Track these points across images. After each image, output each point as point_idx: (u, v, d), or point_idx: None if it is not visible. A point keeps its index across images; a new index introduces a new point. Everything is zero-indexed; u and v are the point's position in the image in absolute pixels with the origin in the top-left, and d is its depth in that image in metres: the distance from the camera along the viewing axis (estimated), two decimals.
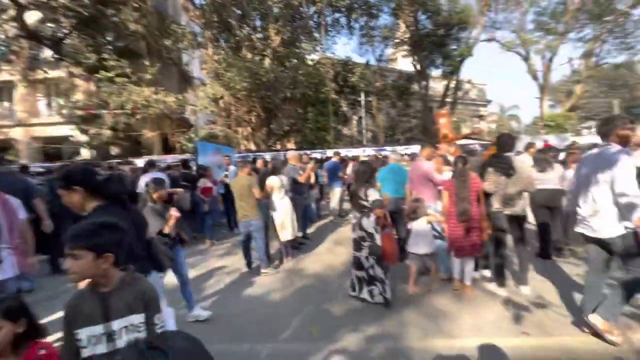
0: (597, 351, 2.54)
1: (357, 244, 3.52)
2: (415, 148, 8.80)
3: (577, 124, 25.99)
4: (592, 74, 23.14)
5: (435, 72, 23.17)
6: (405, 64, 24.77)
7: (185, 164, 8.22)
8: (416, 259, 3.75)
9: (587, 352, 2.55)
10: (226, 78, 16.06)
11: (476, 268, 3.88)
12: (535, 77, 22.74)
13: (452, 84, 23.00)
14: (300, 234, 5.89)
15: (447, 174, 4.21)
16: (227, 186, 6.95)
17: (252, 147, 18.41)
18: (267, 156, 11.66)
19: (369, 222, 3.41)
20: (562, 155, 5.97)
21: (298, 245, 5.64)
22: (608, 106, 31.85)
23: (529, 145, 5.89)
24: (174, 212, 2.88)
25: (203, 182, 6.38)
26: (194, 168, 8.01)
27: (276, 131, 20.98)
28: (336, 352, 2.73)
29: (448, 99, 23.24)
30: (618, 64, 25.07)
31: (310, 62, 20.34)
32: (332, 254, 5.40)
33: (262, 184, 4.77)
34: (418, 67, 21.84)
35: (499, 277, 3.66)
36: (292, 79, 17.28)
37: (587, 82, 23.73)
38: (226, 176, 7.05)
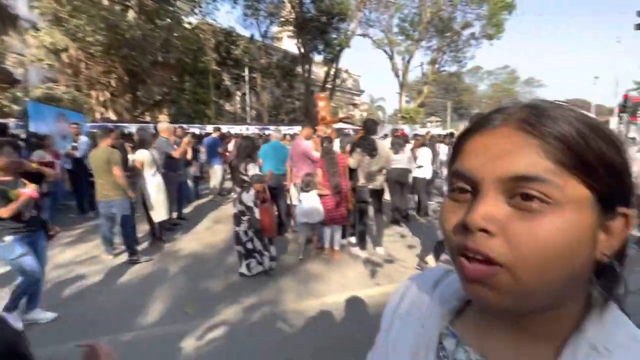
0: None
1: (237, 219, 3.51)
2: (298, 129, 9.19)
3: (424, 118, 32.08)
4: (435, 78, 28.64)
5: (318, 58, 24.31)
6: (290, 45, 25.05)
7: (3, 130, 6.27)
8: (305, 229, 4.03)
9: None
10: (72, 25, 12.77)
11: (344, 236, 4.46)
12: (397, 75, 26.63)
13: (332, 72, 24.67)
14: (175, 214, 5.43)
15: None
16: (76, 161, 5.71)
17: (112, 115, 15.48)
18: (133, 128, 10.05)
19: (248, 197, 3.44)
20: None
21: (172, 226, 5.19)
22: (444, 106, 40.52)
23: (394, 131, 6.95)
24: (28, 190, 2.22)
25: (39, 155, 5.02)
26: (23, 136, 6.22)
27: (144, 99, 18.17)
28: (214, 326, 2.72)
29: (328, 85, 24.87)
30: (452, 73, 31.87)
31: (187, 25, 18.19)
32: (212, 232, 5.21)
33: (125, 160, 4.12)
34: (302, 50, 22.43)
35: (362, 242, 4.30)
36: (165, 41, 15.18)
37: (432, 85, 29.25)
38: (74, 148, 5.77)
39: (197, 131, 11.88)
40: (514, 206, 0.30)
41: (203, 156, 7.73)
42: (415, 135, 6.56)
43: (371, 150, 3.99)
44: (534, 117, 0.31)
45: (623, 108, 13.85)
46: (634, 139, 6.55)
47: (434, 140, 7.82)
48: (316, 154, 4.43)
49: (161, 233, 4.66)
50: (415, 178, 5.84)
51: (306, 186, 3.94)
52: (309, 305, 3.07)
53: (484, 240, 0.30)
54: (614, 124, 13.85)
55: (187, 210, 6.21)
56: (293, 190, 4.62)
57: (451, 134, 9.79)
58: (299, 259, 4.03)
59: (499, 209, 0.30)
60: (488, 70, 47.14)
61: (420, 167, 5.73)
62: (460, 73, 36.25)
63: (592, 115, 0.33)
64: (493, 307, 0.32)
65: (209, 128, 11.96)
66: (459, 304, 0.42)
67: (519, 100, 0.35)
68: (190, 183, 6.84)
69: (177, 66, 17.04)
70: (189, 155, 5.89)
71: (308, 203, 3.89)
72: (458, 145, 0.36)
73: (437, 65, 27.10)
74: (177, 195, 5.40)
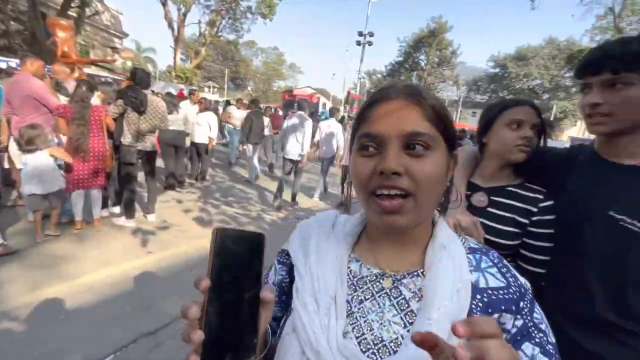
0: (203, 254, 3.44)
1: None
2: (12, 61, 6.38)
3: (202, 81, 30.87)
4: (214, 41, 27.93)
5: None
6: None
7: None
8: (37, 202, 2.95)
9: (200, 257, 3.36)
10: None
11: (104, 206, 3.74)
12: (170, 26, 23.72)
13: None
14: None
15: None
16: None
17: None
18: None
19: None
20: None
21: None
22: (222, 73, 40.55)
23: (191, 92, 6.09)
24: None
25: None
26: None
27: None
28: None
29: (72, 13, 18.52)
30: (230, 41, 32.08)
31: None
32: None
33: None
34: None
35: (128, 211, 3.76)
36: None
37: (210, 48, 28.34)
38: None
39: None
40: (408, 154, 0.44)
41: None
42: (191, 93, 6.12)
43: (139, 105, 3.47)
44: (414, 91, 0.46)
45: (346, 100, 19.36)
46: (344, 120, 8.37)
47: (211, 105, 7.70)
48: (55, 100, 3.35)
49: None
50: (194, 143, 5.64)
51: (28, 143, 2.89)
52: (50, 293, 2.42)
53: (397, 179, 0.43)
54: (342, 111, 19.00)
55: None
56: (14, 149, 3.28)
57: (227, 102, 10.07)
58: (46, 237, 3.05)
59: (402, 156, 0.44)
60: (261, 48, 50.98)
61: (202, 131, 5.53)
62: (237, 43, 37.16)
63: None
64: (401, 229, 0.46)
65: None
66: (354, 237, 0.55)
67: (401, 81, 0.51)
68: None
69: None
70: None
71: (35, 166, 2.92)
72: (363, 114, 0.48)
73: (215, 29, 26.40)
74: None
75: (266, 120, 6.91)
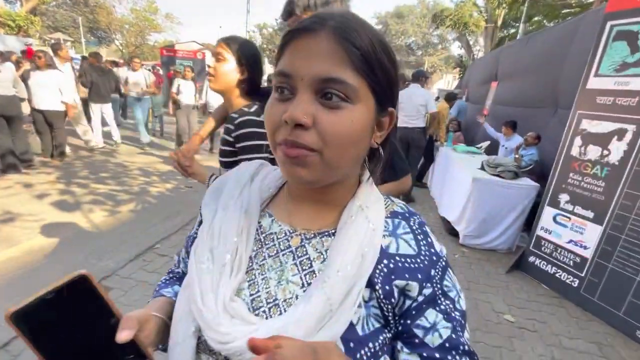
0: (67, 246, 2.87)
1: None
2: None
3: (46, 33, 24.07)
4: None
5: None
6: None
7: None
8: None
9: (63, 250, 2.79)
10: None
11: None
12: None
13: None
14: None
15: None
16: None
17: None
18: None
19: None
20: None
21: None
22: (75, 23, 32.29)
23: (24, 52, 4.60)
24: None
25: None
26: None
27: None
28: None
29: None
30: None
31: None
32: None
33: None
34: None
35: None
36: None
37: None
38: None
39: None
40: (321, 103, 0.37)
41: None
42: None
43: None
44: (343, 29, 0.37)
45: None
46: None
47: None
48: None
49: None
50: (39, 110, 4.42)
51: None
52: None
53: (300, 133, 0.37)
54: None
55: None
56: None
57: (83, 58, 8.21)
58: None
59: (311, 105, 0.37)
60: None
61: (47, 94, 4.34)
62: None
63: (380, 32, 0.41)
64: (305, 182, 0.40)
65: None
66: (273, 191, 0.51)
67: (333, 11, 0.40)
68: None
69: None
70: None
71: None
72: (283, 46, 0.40)
73: None
74: None
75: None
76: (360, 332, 0.41)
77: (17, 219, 3.11)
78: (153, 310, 0.46)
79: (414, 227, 0.46)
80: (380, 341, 0.42)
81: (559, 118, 3.83)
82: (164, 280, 0.59)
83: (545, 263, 2.87)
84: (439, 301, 0.43)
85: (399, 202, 0.51)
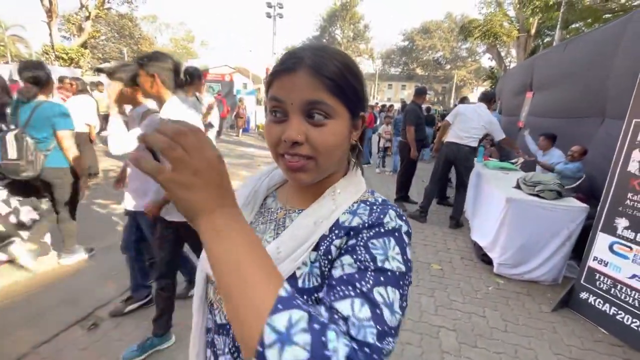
0: None
1: None
2: None
3: (95, 63, 26.40)
4: (101, 14, 23.88)
5: None
6: None
7: None
8: None
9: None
10: None
11: None
12: None
13: None
14: None
15: None
16: None
17: None
18: None
19: None
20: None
21: None
22: (121, 52, 35.38)
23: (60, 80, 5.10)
24: None
25: None
26: None
27: None
28: None
29: None
30: (123, 14, 27.82)
31: None
32: None
33: None
34: None
35: None
36: None
37: (100, 23, 24.19)
38: None
39: None
40: (309, 122, 0.48)
41: None
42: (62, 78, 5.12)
43: None
44: (316, 64, 0.47)
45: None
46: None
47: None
48: None
49: None
50: None
51: None
52: None
53: (297, 147, 0.48)
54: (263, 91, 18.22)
55: None
56: None
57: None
58: None
59: (302, 125, 0.48)
60: (165, 23, 45.82)
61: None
62: (132, 17, 32.58)
63: (347, 56, 0.51)
64: (305, 183, 0.52)
65: None
66: (280, 182, 0.66)
67: (306, 47, 0.50)
68: None
69: None
70: None
71: None
72: (271, 81, 0.51)
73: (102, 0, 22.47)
74: None
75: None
76: (299, 284, 0.48)
77: None
78: None
79: (374, 208, 0.51)
80: (314, 298, 0.47)
81: (606, 129, 3.37)
82: None
83: (602, 301, 2.40)
84: (358, 251, 0.45)
85: (379, 196, 0.56)
